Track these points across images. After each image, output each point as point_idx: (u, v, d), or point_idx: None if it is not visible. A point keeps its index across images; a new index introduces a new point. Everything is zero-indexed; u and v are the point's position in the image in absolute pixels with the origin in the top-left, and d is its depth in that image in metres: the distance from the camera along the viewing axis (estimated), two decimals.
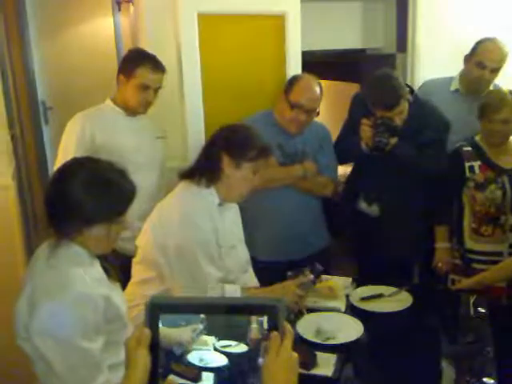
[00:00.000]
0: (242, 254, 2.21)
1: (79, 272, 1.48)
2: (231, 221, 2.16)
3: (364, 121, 2.53)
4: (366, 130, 2.52)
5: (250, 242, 2.62)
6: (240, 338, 0.90)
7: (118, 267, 1.85)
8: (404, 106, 2.52)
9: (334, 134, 2.84)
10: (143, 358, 0.88)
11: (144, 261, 2.01)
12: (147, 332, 0.87)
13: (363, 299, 2.20)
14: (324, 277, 2.34)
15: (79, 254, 1.51)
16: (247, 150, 1.96)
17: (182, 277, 1.94)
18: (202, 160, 2.04)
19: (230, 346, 0.91)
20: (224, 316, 0.90)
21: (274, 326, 0.86)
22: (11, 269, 2.52)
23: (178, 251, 1.93)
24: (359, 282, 2.33)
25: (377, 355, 1.96)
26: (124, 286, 1.96)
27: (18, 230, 2.69)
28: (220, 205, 2.05)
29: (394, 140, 2.48)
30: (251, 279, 2.24)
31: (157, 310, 0.87)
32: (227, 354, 0.91)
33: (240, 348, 0.90)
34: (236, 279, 2.10)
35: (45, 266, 1.48)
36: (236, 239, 2.17)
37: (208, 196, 2.01)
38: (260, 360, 0.89)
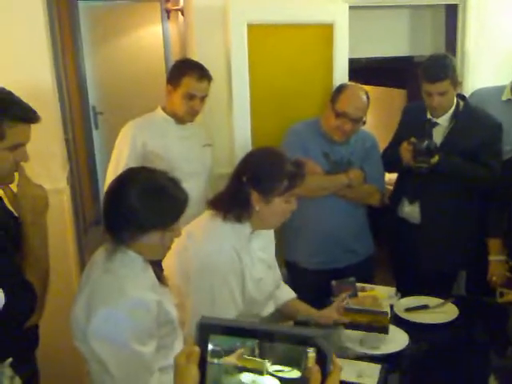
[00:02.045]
0: (270, 282, 2.08)
1: (134, 278, 1.54)
2: (261, 247, 2.03)
3: (404, 145, 2.56)
4: (406, 154, 2.55)
5: (293, 249, 2.66)
6: (294, 364, 0.90)
7: None
8: (448, 88, 2.53)
9: (380, 140, 2.83)
10: (193, 375, 0.88)
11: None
12: (197, 349, 0.88)
13: (408, 310, 2.19)
14: (368, 286, 2.36)
15: (134, 260, 1.57)
16: (276, 184, 1.85)
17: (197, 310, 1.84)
18: (229, 193, 1.92)
19: (282, 371, 0.91)
20: (272, 343, 0.87)
21: (322, 357, 0.85)
22: (65, 270, 2.62)
23: (196, 287, 1.86)
24: (403, 293, 2.33)
25: (421, 366, 1.95)
26: None
27: (71, 233, 2.79)
28: (252, 233, 1.96)
29: (434, 160, 2.49)
30: (285, 293, 2.21)
31: (207, 330, 0.89)
32: (279, 379, 0.91)
33: (293, 374, 0.90)
34: (260, 311, 2.04)
35: (102, 270, 1.55)
36: (264, 267, 2.03)
37: (237, 232, 1.90)
38: None
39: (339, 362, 0.88)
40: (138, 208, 1.51)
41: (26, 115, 1.53)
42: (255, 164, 1.93)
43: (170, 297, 1.68)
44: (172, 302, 1.67)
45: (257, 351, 0.88)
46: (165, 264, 1.87)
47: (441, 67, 2.52)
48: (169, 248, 1.65)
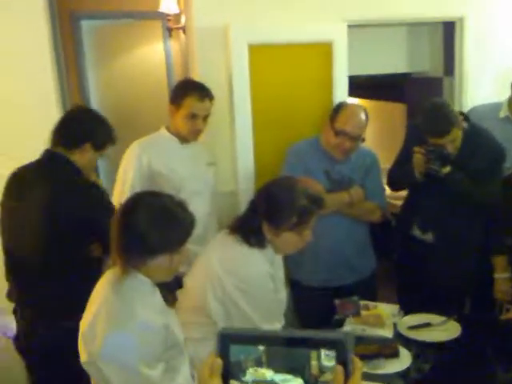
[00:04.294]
0: (286, 301, 2.16)
1: (143, 301, 1.57)
2: (279, 265, 2.11)
3: (416, 149, 2.54)
4: (418, 157, 2.53)
5: (296, 267, 2.68)
6: (297, 372, 0.92)
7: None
8: (456, 134, 2.50)
9: (381, 152, 2.85)
10: None
11: (196, 308, 1.96)
12: (219, 361, 0.88)
13: (411, 328, 2.21)
14: (371, 304, 2.38)
15: (143, 283, 1.60)
16: (284, 219, 1.90)
17: None
18: (245, 221, 1.98)
19: (286, 380, 0.93)
20: (292, 349, 0.88)
21: (342, 359, 0.86)
22: None
23: (240, 313, 1.90)
24: (406, 311, 2.34)
25: None
26: None
27: None
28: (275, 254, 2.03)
29: (446, 169, 2.48)
30: None
31: (227, 340, 0.89)
32: None
33: (296, 383, 0.92)
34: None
35: (111, 293, 1.57)
36: (284, 287, 2.14)
37: (265, 256, 1.96)
38: None
39: (359, 362, 0.88)
40: (147, 233, 1.55)
41: (115, 140, 2.30)
42: (268, 196, 1.97)
43: (176, 319, 1.71)
44: (179, 325, 1.69)
45: (264, 360, 0.89)
46: (192, 286, 1.97)
47: (445, 119, 2.46)
48: (177, 269, 1.68)
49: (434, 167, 2.47)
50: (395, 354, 1.99)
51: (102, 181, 2.95)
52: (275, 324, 2.00)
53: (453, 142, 2.50)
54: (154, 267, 1.59)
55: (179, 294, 2.02)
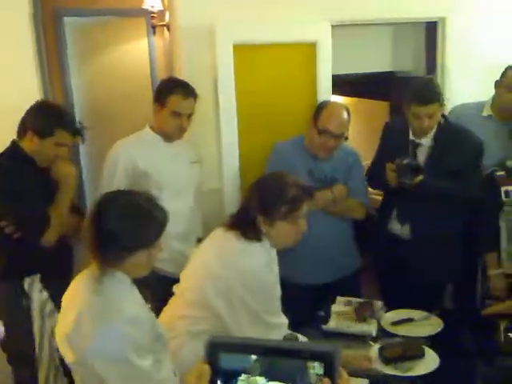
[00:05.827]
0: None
1: (125, 297, 1.59)
2: (275, 261, 2.12)
3: (388, 165, 2.60)
4: (390, 174, 2.59)
5: (280, 265, 2.69)
6: (288, 380, 0.92)
7: (161, 289, 1.97)
8: (436, 111, 2.57)
9: (363, 150, 2.87)
10: None
11: (196, 302, 1.97)
12: (207, 368, 0.87)
13: (394, 323, 2.24)
14: (354, 300, 2.41)
15: (122, 280, 1.61)
16: (276, 208, 1.94)
17: (247, 328, 1.90)
18: (239, 216, 2.02)
19: None
20: (280, 359, 0.88)
21: (329, 372, 0.86)
22: None
23: (245, 306, 1.91)
24: (389, 306, 2.37)
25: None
26: (163, 304, 2.07)
27: None
28: (272, 247, 2.05)
29: (418, 178, 2.52)
30: None
31: (216, 348, 0.89)
32: None
33: None
34: None
35: (91, 295, 1.57)
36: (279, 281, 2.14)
37: (264, 249, 1.99)
38: None
39: (346, 374, 0.89)
40: (119, 231, 1.56)
41: (71, 129, 2.38)
42: (259, 189, 2.01)
43: (153, 314, 1.73)
44: (157, 319, 1.72)
45: (258, 369, 0.89)
46: (192, 282, 1.98)
47: (431, 90, 2.57)
48: (153, 263, 1.70)
49: (407, 181, 2.55)
50: (421, 355, 1.97)
51: (80, 168, 2.95)
52: (282, 317, 2.01)
53: (431, 117, 2.56)
54: (132, 264, 1.61)
55: (175, 288, 2.06)
